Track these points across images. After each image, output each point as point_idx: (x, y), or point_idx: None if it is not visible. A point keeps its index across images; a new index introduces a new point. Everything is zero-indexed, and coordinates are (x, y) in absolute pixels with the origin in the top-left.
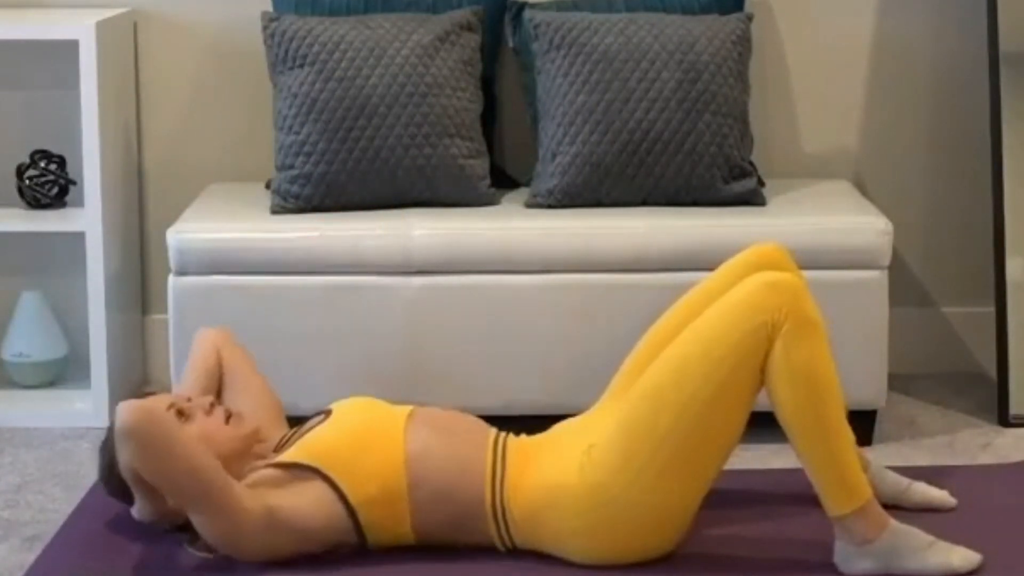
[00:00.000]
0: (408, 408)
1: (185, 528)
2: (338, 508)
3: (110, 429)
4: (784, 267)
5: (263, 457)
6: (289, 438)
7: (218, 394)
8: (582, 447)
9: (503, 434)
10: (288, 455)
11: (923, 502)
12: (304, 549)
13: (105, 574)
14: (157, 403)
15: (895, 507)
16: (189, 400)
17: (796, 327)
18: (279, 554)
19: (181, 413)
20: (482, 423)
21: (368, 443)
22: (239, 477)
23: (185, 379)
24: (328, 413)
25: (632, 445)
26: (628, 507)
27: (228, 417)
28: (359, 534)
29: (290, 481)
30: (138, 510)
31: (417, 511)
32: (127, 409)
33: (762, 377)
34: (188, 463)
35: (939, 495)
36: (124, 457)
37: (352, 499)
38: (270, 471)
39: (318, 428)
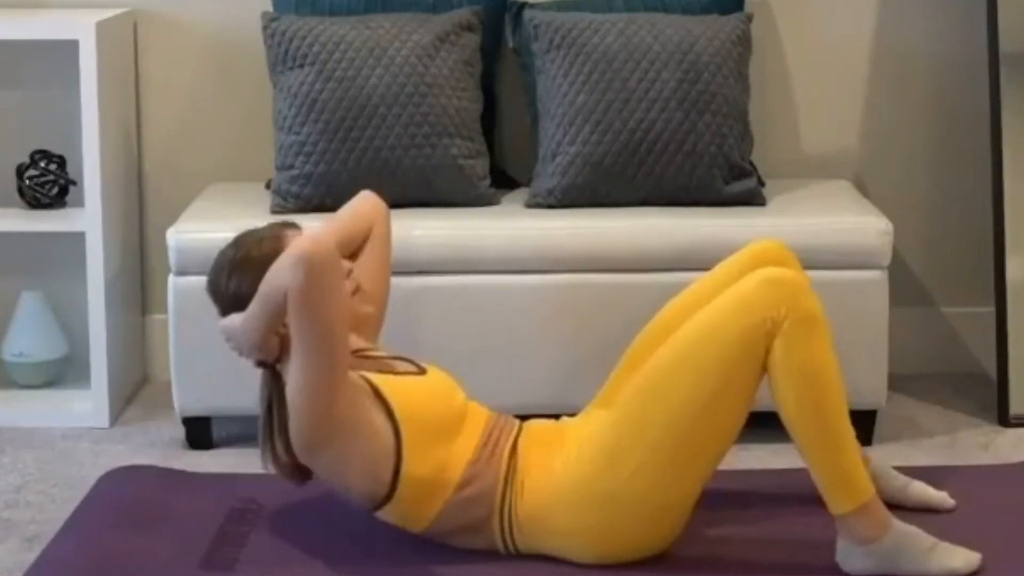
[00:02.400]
0: (486, 409)
1: (261, 364)
2: (388, 464)
3: (238, 245)
4: (786, 263)
5: (358, 347)
6: (380, 354)
7: (354, 255)
8: (582, 444)
9: (517, 431)
10: (385, 385)
11: (922, 501)
12: (336, 468)
13: (105, 574)
14: (332, 242)
15: (894, 505)
16: None
17: (797, 323)
18: (326, 442)
19: None
20: (512, 420)
21: (448, 430)
22: None
23: (334, 224)
24: (422, 370)
25: (632, 441)
26: (627, 503)
27: (356, 290)
28: (387, 497)
29: (372, 407)
30: (241, 325)
31: (447, 509)
32: (312, 240)
33: (762, 373)
34: (334, 314)
35: (938, 496)
36: (285, 281)
37: (405, 468)
38: (363, 382)
39: (411, 379)
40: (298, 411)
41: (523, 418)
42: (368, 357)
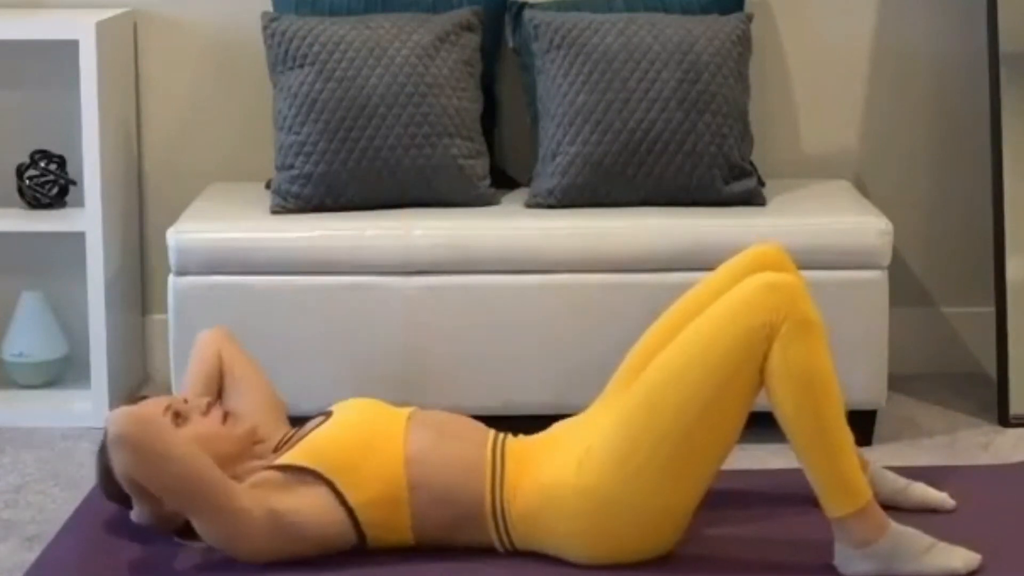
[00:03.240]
0: (408, 410)
1: (184, 532)
2: (338, 510)
3: (105, 434)
4: (783, 268)
5: (262, 457)
6: (290, 438)
7: (220, 394)
8: (580, 447)
9: (502, 435)
10: (288, 457)
11: (922, 502)
12: (304, 551)
13: (105, 574)
14: (151, 407)
15: (893, 507)
16: (186, 401)
17: (794, 328)
18: (279, 556)
19: (178, 415)
20: (481, 425)
21: (368, 445)
22: (238, 478)
23: (187, 382)
24: (329, 414)
25: (630, 445)
26: (626, 507)
27: (225, 417)
28: (359, 536)
29: (290, 484)
30: (137, 514)
31: (417, 513)
32: (119, 417)
33: (761, 378)
34: (183, 467)
35: (938, 496)
36: (119, 464)
37: (352, 501)
38: (271, 473)
39: (319, 429)
40: (234, 549)
41: (523, 420)
42: (288, 441)
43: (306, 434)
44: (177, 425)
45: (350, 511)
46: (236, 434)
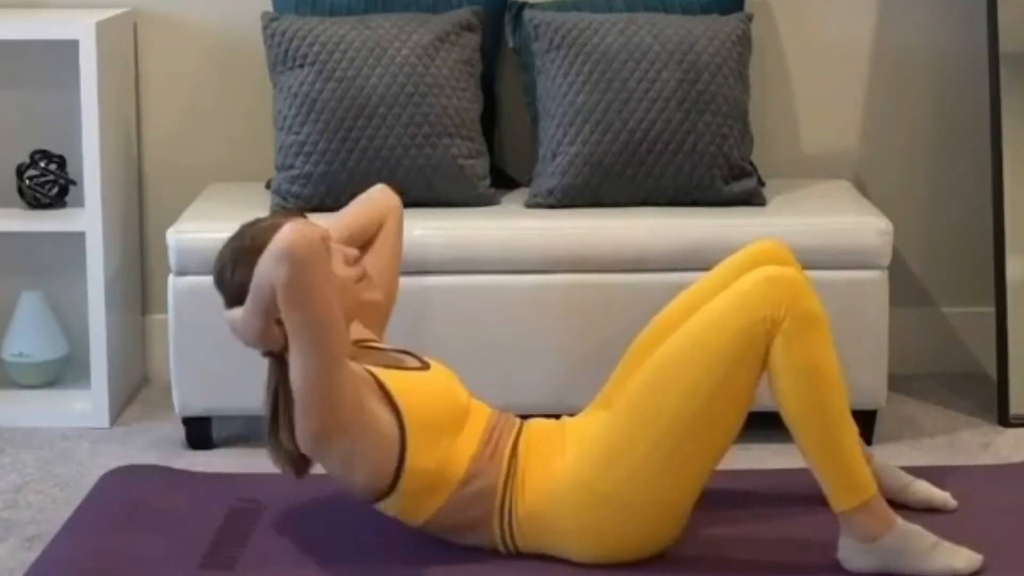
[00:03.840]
0: (487, 407)
1: (268, 348)
2: (392, 457)
3: (240, 235)
4: (785, 262)
5: (362, 335)
6: (385, 346)
7: (364, 246)
8: (582, 443)
9: (519, 430)
10: (387, 377)
11: (924, 500)
12: (350, 458)
13: (105, 574)
14: (318, 233)
15: (896, 504)
16: (334, 240)
17: (797, 322)
18: (330, 440)
19: (325, 246)
20: (513, 419)
21: (456, 425)
22: None
23: (347, 214)
24: (426, 365)
25: (631, 438)
26: (626, 503)
27: (361, 277)
28: (389, 489)
29: (376, 400)
30: (240, 320)
31: (448, 506)
32: (295, 233)
33: (762, 372)
34: (327, 306)
35: (940, 495)
36: (271, 274)
37: (409, 462)
38: (368, 376)
39: (416, 375)
40: (302, 402)
41: (524, 418)
42: (373, 348)
43: (403, 365)
44: None
45: (400, 467)
46: (363, 297)
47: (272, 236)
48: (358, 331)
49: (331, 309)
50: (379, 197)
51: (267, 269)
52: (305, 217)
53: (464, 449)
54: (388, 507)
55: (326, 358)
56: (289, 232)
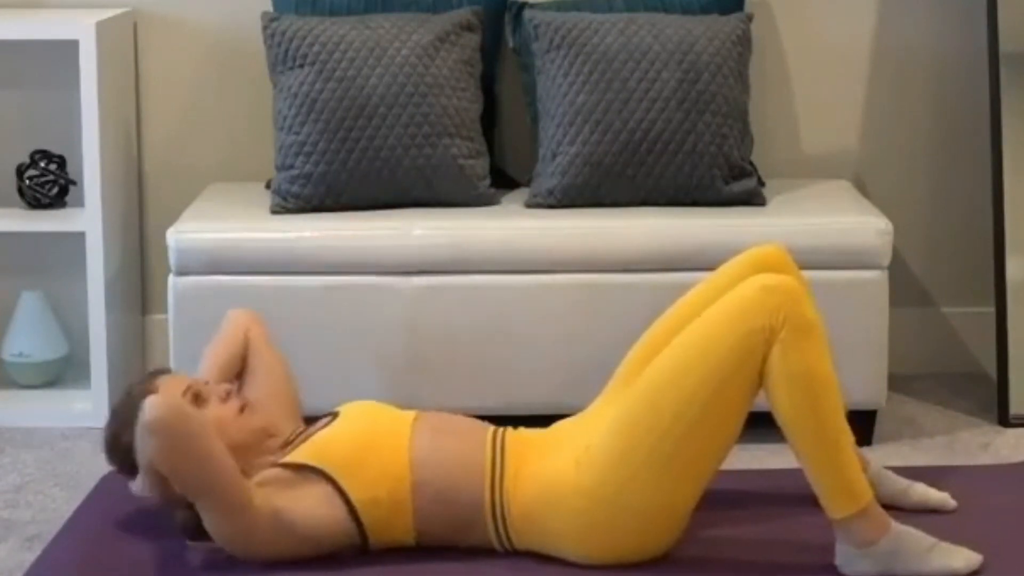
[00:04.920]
0: (413, 413)
1: (181, 508)
2: (341, 510)
3: (120, 406)
4: (784, 269)
5: (271, 452)
6: (297, 436)
7: (239, 374)
8: (579, 446)
9: (501, 430)
10: (294, 455)
11: (922, 503)
12: (306, 552)
13: (105, 574)
14: (175, 386)
15: (894, 508)
16: (207, 383)
17: (794, 330)
18: (283, 555)
19: (197, 397)
20: (481, 423)
21: (374, 445)
22: (244, 472)
23: (209, 354)
24: (335, 415)
25: (629, 445)
26: (625, 507)
27: (243, 408)
28: (362, 536)
29: (296, 482)
30: (141, 489)
31: (420, 513)
32: (158, 404)
33: (760, 380)
34: (208, 462)
35: (938, 497)
36: (146, 448)
37: (355, 501)
38: (277, 471)
39: (325, 429)
40: (239, 545)
41: (523, 419)
42: (295, 440)
43: (313, 433)
44: (196, 407)
45: (353, 510)
46: (251, 427)
47: (138, 404)
48: (283, 431)
49: (213, 463)
50: (232, 321)
51: (141, 446)
52: (170, 372)
53: (398, 458)
54: (378, 544)
55: (226, 508)
56: (154, 404)
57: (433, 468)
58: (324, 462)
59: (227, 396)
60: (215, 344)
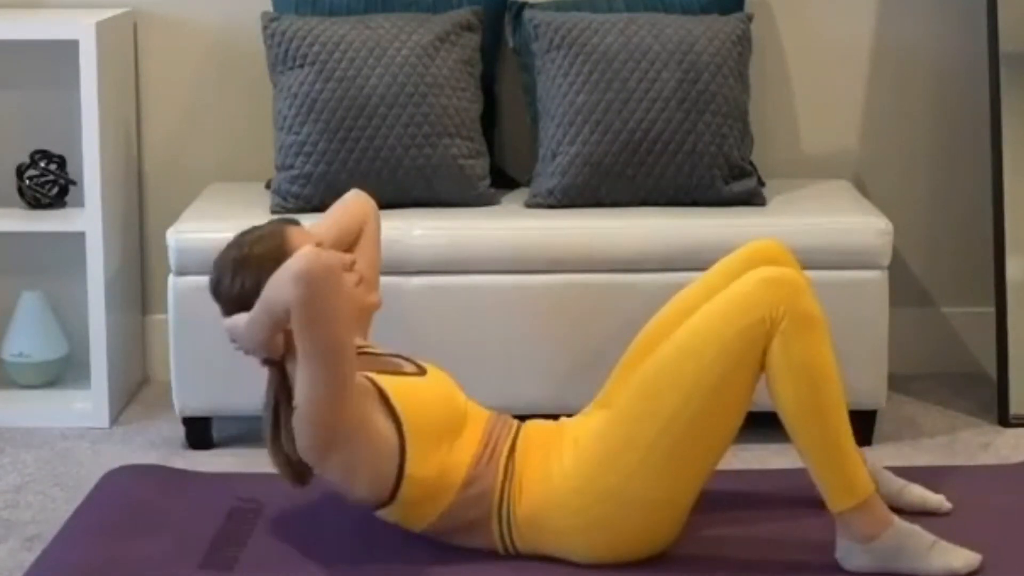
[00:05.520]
0: (485, 410)
1: (268, 361)
2: (392, 466)
3: (247, 241)
4: (783, 262)
5: (364, 336)
6: (380, 353)
7: (348, 250)
8: (580, 443)
9: (517, 427)
10: (388, 385)
11: (918, 504)
12: (342, 470)
13: (105, 574)
14: (307, 241)
15: (891, 508)
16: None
17: (795, 323)
18: (326, 453)
19: None
20: (513, 421)
21: (450, 431)
22: None
23: (330, 220)
24: (422, 371)
25: (630, 440)
26: (626, 502)
27: (359, 281)
28: (390, 498)
29: (377, 410)
30: (245, 327)
31: (449, 509)
32: (311, 256)
33: (760, 372)
34: (339, 324)
35: (935, 499)
36: (285, 293)
37: (408, 470)
38: (369, 385)
39: (414, 380)
40: (305, 419)
41: (522, 418)
42: (369, 354)
43: (399, 373)
44: None
45: (400, 476)
46: (361, 302)
47: (270, 244)
48: (365, 328)
49: (344, 334)
50: (356, 202)
51: (282, 289)
52: (299, 224)
53: (462, 454)
54: (389, 514)
55: (336, 380)
56: (307, 255)
57: (481, 474)
58: (407, 417)
59: (349, 266)
60: (338, 214)
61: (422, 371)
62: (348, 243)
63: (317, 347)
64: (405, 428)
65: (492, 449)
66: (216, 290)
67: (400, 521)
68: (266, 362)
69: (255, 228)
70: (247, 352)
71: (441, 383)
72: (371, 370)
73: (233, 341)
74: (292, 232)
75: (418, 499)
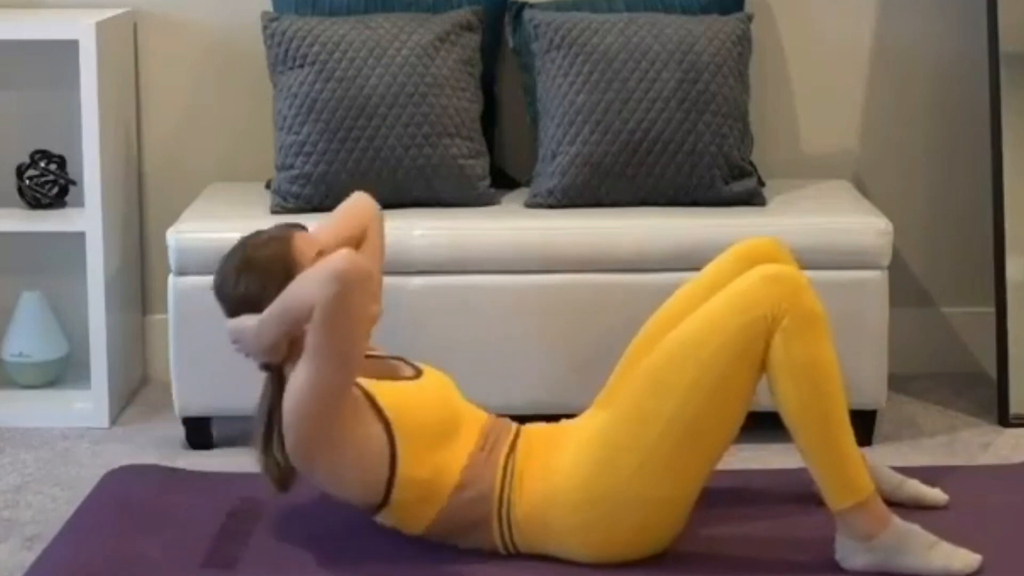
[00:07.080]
0: (484, 414)
1: (266, 366)
2: (383, 470)
3: (240, 247)
4: (778, 259)
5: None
6: (378, 356)
7: None
8: (580, 443)
9: (517, 430)
10: (378, 391)
11: (915, 498)
12: (331, 474)
13: (105, 574)
14: (312, 247)
15: (888, 503)
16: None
17: (796, 320)
18: (315, 456)
19: None
20: (511, 423)
21: (444, 434)
22: None
23: (334, 225)
24: (419, 373)
25: (631, 439)
26: (626, 502)
27: None
28: (383, 502)
29: (367, 415)
30: (257, 327)
31: (445, 512)
32: (352, 260)
33: (761, 370)
34: (359, 328)
35: (931, 493)
36: (313, 293)
37: (400, 473)
38: (358, 391)
39: (407, 385)
40: (299, 416)
41: (523, 419)
42: (369, 357)
43: (395, 377)
44: None
45: (391, 478)
46: (369, 312)
47: (275, 248)
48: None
49: (360, 338)
50: (360, 205)
51: (310, 288)
52: (305, 229)
53: (458, 456)
54: (387, 518)
55: (343, 378)
56: (346, 256)
57: (478, 475)
58: (396, 421)
59: None
60: (342, 217)
61: (418, 373)
62: (353, 245)
63: (334, 347)
64: (395, 432)
65: (490, 450)
66: (220, 291)
67: (398, 524)
68: (265, 367)
69: (260, 232)
70: (248, 355)
71: (436, 386)
72: (369, 372)
73: (235, 343)
74: (297, 237)
75: (413, 500)
